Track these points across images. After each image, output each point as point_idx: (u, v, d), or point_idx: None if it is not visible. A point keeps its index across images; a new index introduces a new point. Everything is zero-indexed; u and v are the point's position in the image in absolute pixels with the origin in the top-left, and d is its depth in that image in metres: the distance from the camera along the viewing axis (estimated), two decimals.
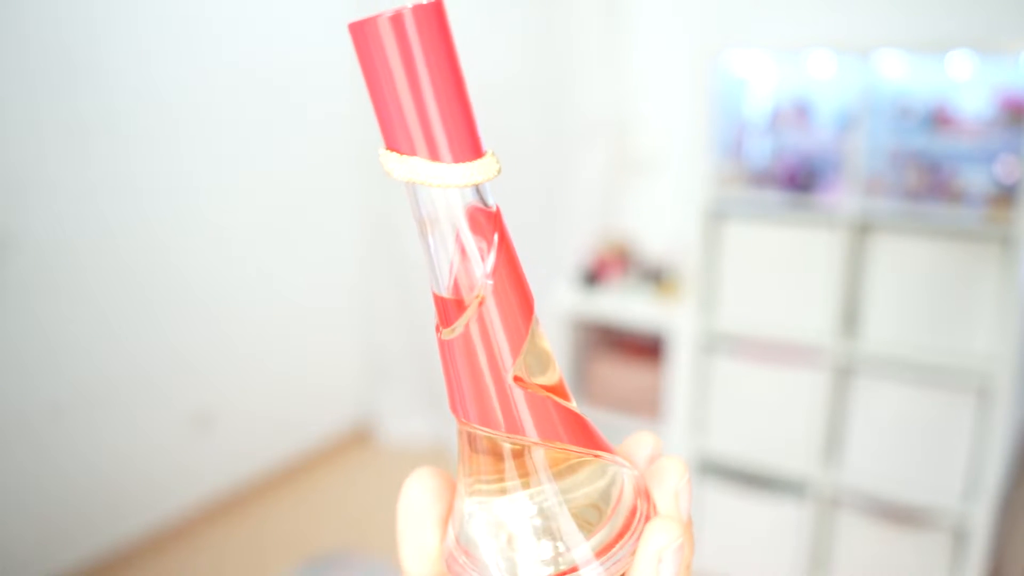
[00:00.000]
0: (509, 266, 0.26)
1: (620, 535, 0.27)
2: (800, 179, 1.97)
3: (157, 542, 2.21)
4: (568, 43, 2.66)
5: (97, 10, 1.91)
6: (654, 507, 0.29)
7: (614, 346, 2.55)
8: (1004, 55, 1.82)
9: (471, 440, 0.27)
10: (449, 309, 0.26)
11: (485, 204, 0.25)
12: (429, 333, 2.82)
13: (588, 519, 0.27)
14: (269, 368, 2.55)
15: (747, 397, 2.05)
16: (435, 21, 0.23)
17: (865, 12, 2.14)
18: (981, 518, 1.75)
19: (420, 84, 0.23)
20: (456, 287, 0.26)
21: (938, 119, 1.90)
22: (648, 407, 2.35)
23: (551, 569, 0.26)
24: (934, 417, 1.80)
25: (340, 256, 2.82)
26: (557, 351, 2.42)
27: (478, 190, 0.25)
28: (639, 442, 0.31)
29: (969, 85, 1.90)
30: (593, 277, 2.43)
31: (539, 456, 0.27)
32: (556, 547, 0.27)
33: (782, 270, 1.97)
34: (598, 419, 2.35)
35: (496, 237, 0.25)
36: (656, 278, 2.38)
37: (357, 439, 2.94)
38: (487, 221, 0.25)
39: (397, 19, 0.22)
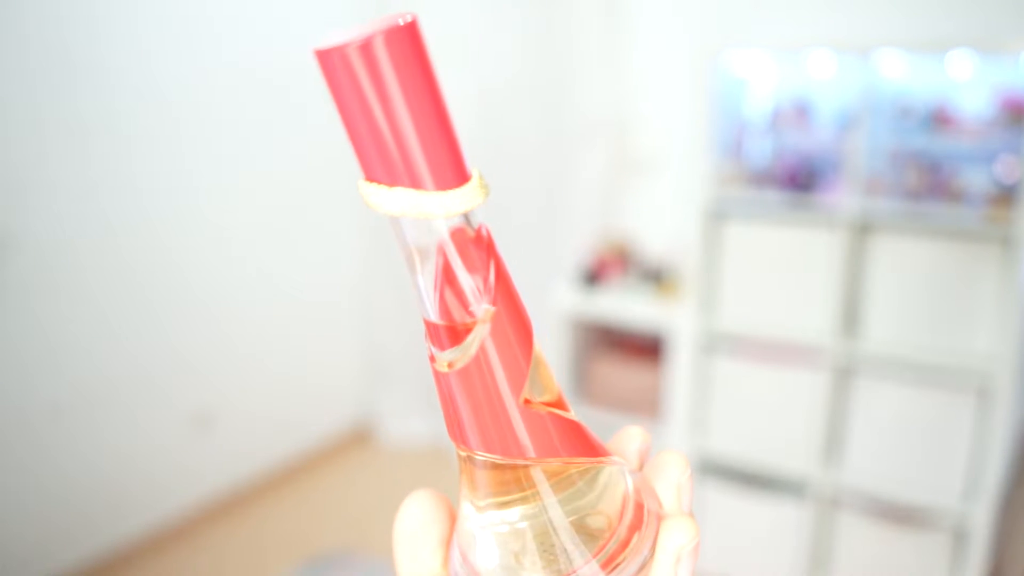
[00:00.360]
0: (506, 291, 0.25)
1: (627, 540, 0.27)
2: (800, 179, 1.97)
3: (157, 542, 2.21)
4: (568, 43, 2.65)
5: (97, 10, 1.91)
6: (659, 503, 0.29)
7: (614, 346, 2.55)
8: (1004, 55, 1.82)
9: (471, 459, 0.27)
10: (442, 337, 0.25)
11: (472, 228, 0.24)
12: None
13: (596, 525, 0.27)
14: (269, 368, 2.55)
15: (747, 397, 2.05)
16: (408, 44, 0.21)
17: (865, 12, 2.14)
18: (981, 518, 1.75)
19: (396, 112, 0.21)
20: (449, 314, 0.25)
21: (938, 119, 1.90)
22: (648, 407, 2.35)
23: None
24: (934, 417, 1.80)
25: (340, 256, 2.82)
26: (557, 351, 2.42)
27: (466, 215, 0.24)
28: (628, 436, 0.31)
29: (969, 85, 1.90)
30: (593, 277, 2.43)
31: (541, 471, 0.27)
32: (563, 563, 0.26)
33: (782, 270, 1.97)
34: (598, 419, 2.35)
35: (492, 264, 0.25)
36: (656, 278, 2.38)
37: (357, 439, 2.94)
38: (478, 246, 0.24)
39: (366, 47, 0.21)
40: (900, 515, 1.89)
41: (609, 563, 0.26)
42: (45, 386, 1.93)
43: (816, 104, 2.07)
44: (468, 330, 0.25)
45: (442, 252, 0.24)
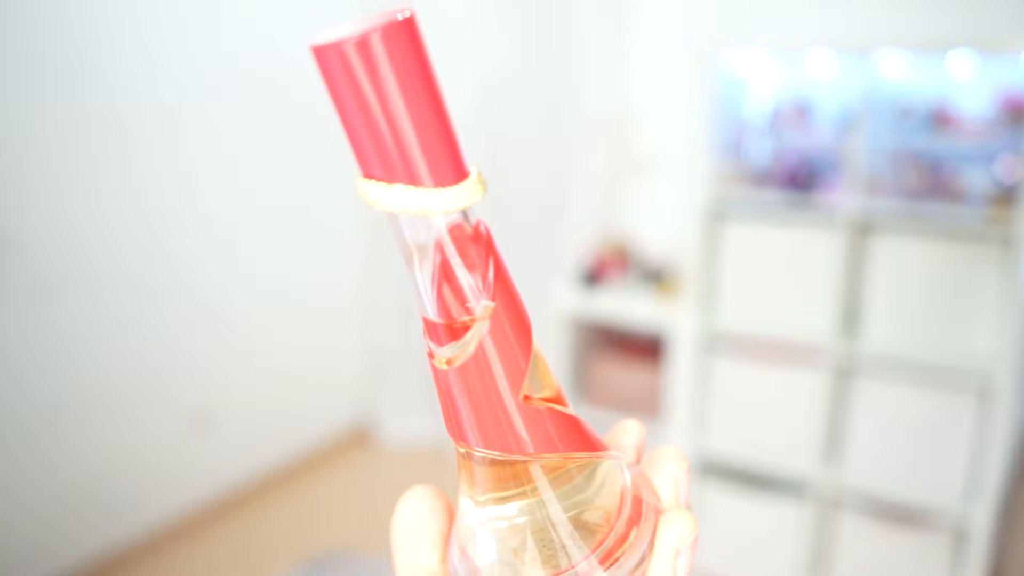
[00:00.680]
0: (505, 288, 0.25)
1: (625, 535, 0.27)
2: (800, 179, 1.97)
3: (157, 542, 2.21)
4: (568, 43, 2.65)
5: (97, 10, 1.91)
6: (657, 497, 0.29)
7: (614, 346, 2.55)
8: (1005, 55, 1.82)
9: (470, 455, 0.27)
10: (440, 334, 0.25)
11: (471, 224, 0.24)
12: None
13: (594, 520, 0.27)
14: (269, 368, 2.55)
15: (747, 397, 2.04)
16: (406, 41, 0.21)
17: (865, 11, 2.14)
18: (981, 518, 1.75)
19: (394, 109, 0.21)
20: (447, 313, 0.25)
21: (938, 119, 1.90)
22: (648, 407, 2.34)
23: None
24: (934, 417, 1.80)
25: (340, 256, 2.82)
26: (557, 351, 2.42)
27: (464, 211, 0.24)
28: (624, 430, 0.32)
29: (970, 85, 1.90)
30: (593, 277, 2.43)
31: (540, 466, 0.27)
32: (561, 558, 0.26)
33: (782, 270, 1.97)
34: (598, 419, 2.34)
35: (491, 260, 0.24)
36: (656, 278, 2.38)
37: (357, 439, 2.94)
38: (476, 243, 0.24)
39: (363, 43, 0.20)
40: (900, 515, 1.89)
41: (607, 558, 0.26)
42: (45, 386, 1.92)
43: (816, 104, 2.07)
44: (467, 327, 0.24)
45: (440, 249, 0.24)
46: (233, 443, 2.44)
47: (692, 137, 2.00)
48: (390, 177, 0.22)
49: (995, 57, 1.84)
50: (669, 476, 0.29)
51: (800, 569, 2.01)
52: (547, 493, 0.27)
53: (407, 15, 0.21)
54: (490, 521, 0.27)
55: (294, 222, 2.58)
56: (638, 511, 0.27)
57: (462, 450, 0.27)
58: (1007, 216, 1.70)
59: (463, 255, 0.24)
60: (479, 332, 0.24)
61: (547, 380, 0.27)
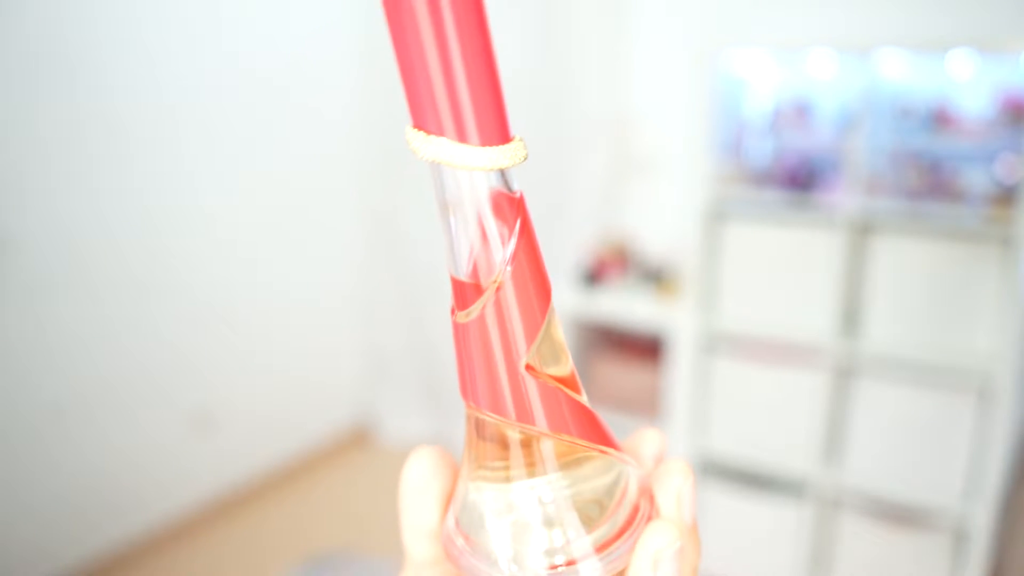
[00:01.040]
0: (529, 253, 0.26)
1: (620, 533, 0.27)
2: (800, 179, 1.97)
3: (157, 542, 2.21)
4: (568, 43, 2.65)
5: (97, 10, 1.91)
6: (657, 509, 0.28)
7: (614, 346, 2.55)
8: (1005, 54, 1.82)
9: (479, 426, 0.27)
10: (467, 293, 0.26)
11: (510, 189, 0.25)
12: (429, 333, 2.82)
13: (590, 514, 0.27)
14: (269, 368, 2.55)
15: (747, 397, 2.04)
16: None
17: (865, 11, 2.14)
18: (982, 518, 1.75)
19: (452, 63, 0.22)
20: (475, 271, 0.25)
21: (939, 119, 1.90)
22: (648, 407, 2.34)
23: (550, 560, 0.26)
24: (934, 417, 1.80)
25: (340, 256, 2.82)
26: None
27: (503, 175, 0.24)
28: (644, 439, 0.31)
29: (970, 85, 1.90)
30: (593, 277, 2.43)
31: (546, 447, 0.27)
32: (556, 538, 0.26)
33: (782, 270, 1.97)
34: None
35: (518, 223, 0.25)
36: (656, 278, 2.38)
37: (357, 439, 2.94)
38: (510, 207, 0.25)
39: None
40: (900, 515, 1.89)
41: (602, 550, 0.27)
42: (46, 386, 1.93)
43: (816, 104, 2.07)
44: (488, 287, 0.25)
45: (477, 209, 0.25)
46: (234, 443, 2.45)
47: (692, 137, 2.00)
48: (439, 129, 0.23)
49: (995, 57, 1.84)
50: (672, 491, 0.29)
51: (800, 569, 2.01)
52: (551, 475, 0.27)
53: None
54: (489, 495, 0.27)
55: (294, 222, 2.58)
56: (632, 519, 0.27)
57: (472, 415, 0.27)
58: (1007, 216, 1.70)
59: (499, 216, 0.25)
60: (501, 288, 0.25)
61: (561, 358, 0.27)
